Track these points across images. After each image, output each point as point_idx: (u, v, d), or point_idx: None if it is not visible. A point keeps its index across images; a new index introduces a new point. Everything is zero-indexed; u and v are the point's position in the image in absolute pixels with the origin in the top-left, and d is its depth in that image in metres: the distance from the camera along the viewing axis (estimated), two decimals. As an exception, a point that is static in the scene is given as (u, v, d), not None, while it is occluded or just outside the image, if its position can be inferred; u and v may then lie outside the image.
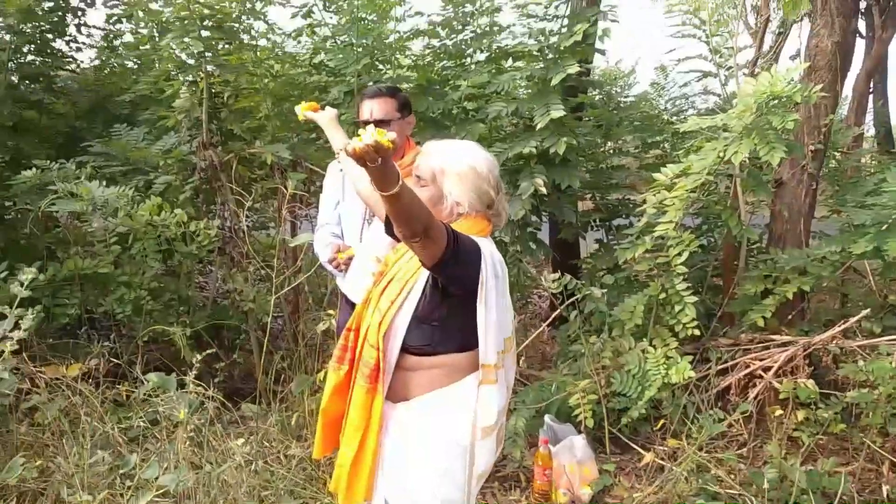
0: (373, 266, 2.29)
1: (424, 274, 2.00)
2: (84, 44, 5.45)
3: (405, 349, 2.03)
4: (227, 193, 4.31)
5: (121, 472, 2.46)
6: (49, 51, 5.13)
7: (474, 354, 2.03)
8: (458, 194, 2.05)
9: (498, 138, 4.50)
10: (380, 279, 2.13)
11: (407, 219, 1.78)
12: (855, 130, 5.53)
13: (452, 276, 1.95)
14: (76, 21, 5.29)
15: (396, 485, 2.06)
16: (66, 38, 5.30)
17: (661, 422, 3.74)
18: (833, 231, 4.64)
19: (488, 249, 2.02)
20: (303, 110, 2.60)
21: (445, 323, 2.02)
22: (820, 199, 4.80)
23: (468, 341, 2.03)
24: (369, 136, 1.57)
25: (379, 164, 1.62)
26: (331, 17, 4.58)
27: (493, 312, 2.00)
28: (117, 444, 2.93)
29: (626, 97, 6.99)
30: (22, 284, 3.70)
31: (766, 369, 3.76)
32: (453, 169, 2.06)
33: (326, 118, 2.61)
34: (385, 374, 2.01)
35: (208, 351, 3.35)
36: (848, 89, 8.24)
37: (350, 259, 2.80)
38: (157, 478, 2.23)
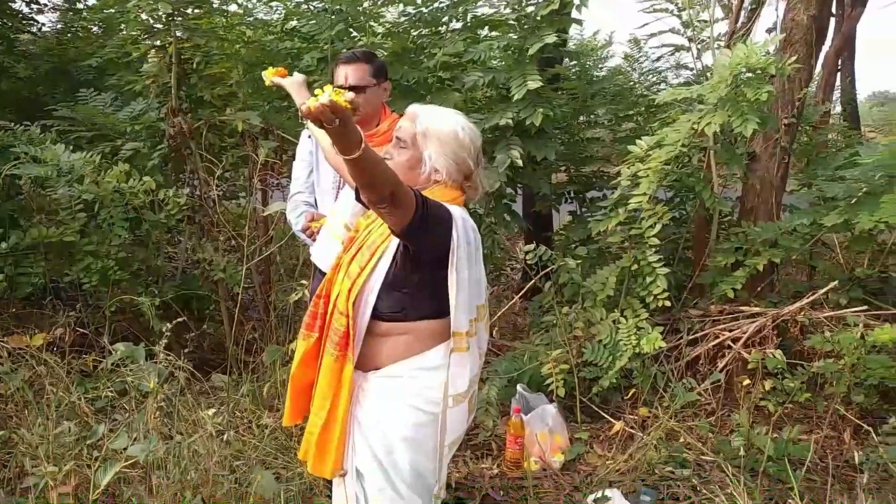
0: (342, 233, 2.26)
1: (395, 240, 1.97)
2: (46, 5, 5.28)
3: (376, 316, 2.01)
4: (196, 161, 4.23)
5: (87, 442, 2.41)
6: (9, 11, 4.95)
7: (446, 322, 2.02)
8: (437, 160, 2.03)
9: (474, 109, 4.47)
10: (350, 245, 2.10)
11: (371, 183, 1.74)
12: (823, 107, 5.57)
13: (422, 242, 1.93)
14: (37, -19, 5.13)
15: (367, 454, 2.06)
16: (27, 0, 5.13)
17: (632, 391, 3.79)
18: (803, 205, 4.71)
19: (460, 215, 1.99)
20: (269, 76, 2.53)
21: (417, 290, 2.01)
22: (792, 172, 4.86)
23: (440, 308, 2.01)
24: (326, 95, 1.53)
25: (337, 125, 1.57)
26: (304, -18, 4.49)
27: (465, 279, 1.98)
28: (84, 414, 2.88)
29: (600, 70, 6.98)
30: (-15, 253, 3.62)
31: (736, 340, 3.82)
32: (435, 133, 2.03)
33: (294, 83, 2.55)
34: (355, 342, 1.99)
35: (177, 321, 3.28)
36: (817, 67, 8.32)
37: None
38: (125, 448, 2.19)
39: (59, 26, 5.58)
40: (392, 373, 2.06)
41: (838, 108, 10.80)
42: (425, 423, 2.06)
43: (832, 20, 9.14)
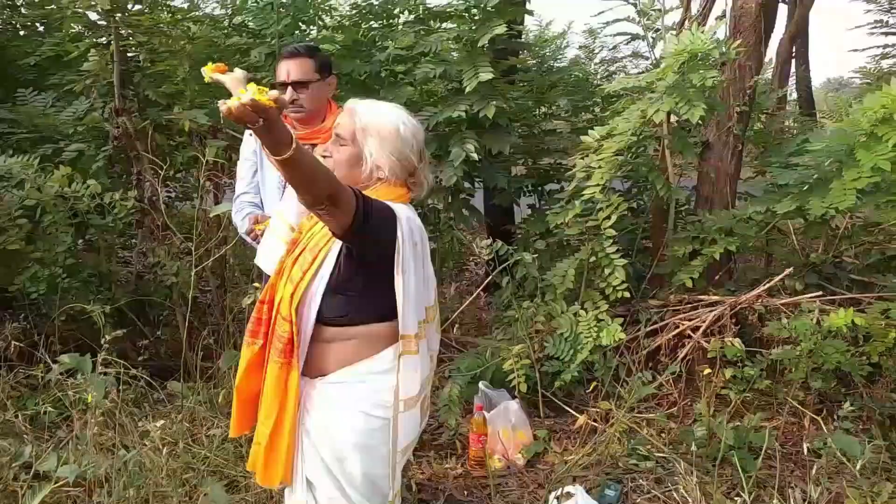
0: (286, 234, 2.19)
1: (338, 242, 1.91)
2: (-20, 3, 5.08)
3: (321, 321, 1.95)
4: (143, 162, 4.10)
5: (13, 465, 2.31)
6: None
7: (393, 325, 1.97)
8: (378, 157, 1.96)
9: (428, 102, 4.40)
10: (293, 248, 2.03)
11: (307, 185, 1.68)
12: (778, 93, 5.62)
13: (365, 243, 1.87)
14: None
15: (317, 462, 2.00)
16: (-39, -3, 4.92)
17: (594, 384, 3.77)
18: (759, 192, 4.73)
19: (405, 215, 1.94)
20: (209, 72, 2.43)
21: (361, 293, 1.95)
22: (745, 160, 4.88)
23: (386, 311, 1.95)
24: (248, 95, 1.46)
25: (261, 124, 1.51)
26: (251, -25, 4.37)
27: (412, 281, 1.93)
28: (23, 432, 2.76)
29: (558, 60, 6.95)
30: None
31: (695, 329, 3.82)
32: (376, 129, 1.96)
33: (234, 79, 2.46)
34: (299, 349, 1.93)
35: (121, 331, 3.16)
36: (771, 54, 8.40)
37: (267, 230, 2.67)
38: (55, 469, 2.09)
39: (-4, 24, 5.37)
40: (339, 378, 2.00)
41: (795, 95, 10.95)
42: (377, 428, 2.01)
43: (785, 6, 9.28)
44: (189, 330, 3.97)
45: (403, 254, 1.90)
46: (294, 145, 1.58)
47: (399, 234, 1.89)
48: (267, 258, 2.29)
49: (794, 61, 10.17)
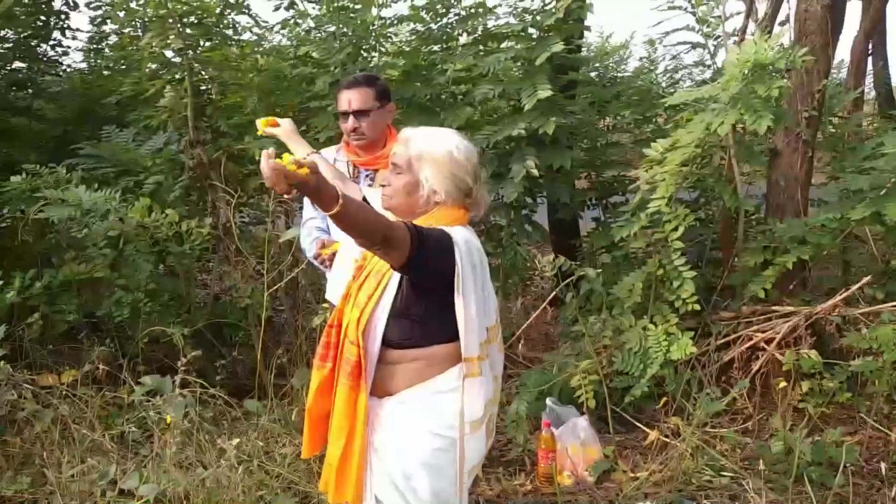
0: (352, 266, 2.25)
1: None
2: (69, 47, 5.43)
3: (386, 343, 1.99)
4: (217, 191, 4.28)
5: (100, 483, 2.44)
6: (35, 56, 5.09)
7: (457, 345, 1.99)
8: (434, 182, 2.00)
9: (489, 121, 4.45)
10: (359, 273, 2.09)
11: (360, 233, 1.76)
12: (852, 94, 5.40)
13: (424, 272, 1.91)
14: (60, 24, 5.25)
15: (386, 481, 2.04)
16: (52, 42, 5.27)
17: (664, 399, 3.70)
18: (833, 198, 4.57)
19: (462, 237, 1.97)
20: (262, 126, 2.55)
21: (424, 316, 1.99)
22: (818, 165, 4.72)
23: (450, 333, 1.98)
24: (264, 162, 1.56)
25: (296, 194, 1.62)
26: (314, 8, 4.53)
27: (472, 303, 1.95)
28: (109, 451, 2.92)
29: (622, 72, 6.90)
30: (17, 292, 3.72)
31: (769, 341, 3.72)
32: (429, 156, 2.01)
33: (284, 132, 2.56)
34: (367, 371, 1.98)
35: (198, 352, 3.31)
36: (846, 52, 8.09)
37: (335, 254, 2.75)
38: (137, 487, 2.20)
39: (83, 66, 5.73)
40: (406, 398, 2.03)
41: (873, 94, 10.49)
42: (443, 447, 2.03)
43: (859, 3, 8.93)
44: (263, 349, 4.11)
45: (463, 277, 1.93)
46: (341, 201, 1.66)
47: (457, 257, 1.92)
48: (335, 291, 2.36)
49: (870, 59, 9.75)
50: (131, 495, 2.24)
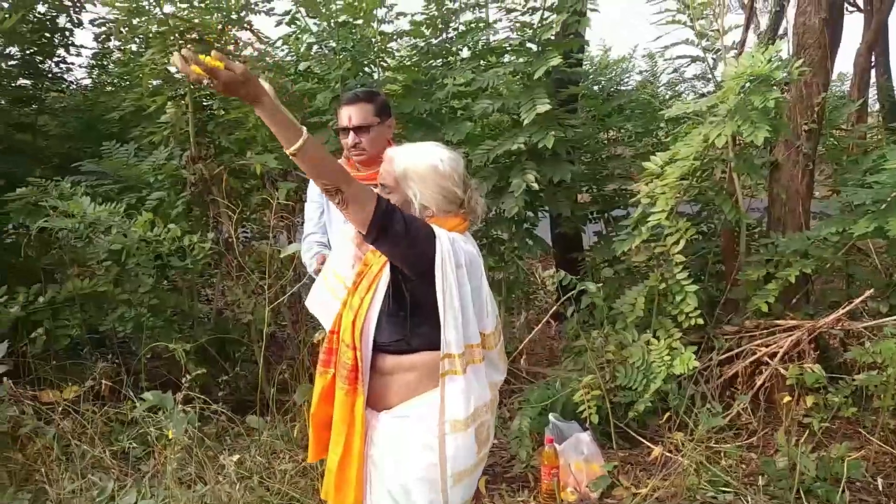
0: (337, 286, 2.25)
1: (390, 269, 1.97)
2: (73, 64, 5.46)
3: (382, 349, 2.00)
4: (219, 206, 4.29)
5: (99, 499, 2.44)
6: (39, 73, 5.13)
7: None
8: (423, 197, 2.02)
9: (488, 136, 4.45)
10: (358, 280, 2.11)
11: (316, 174, 1.81)
12: (853, 106, 5.39)
13: (398, 249, 1.92)
14: (65, 41, 5.28)
15: (384, 493, 2.05)
16: (56, 59, 5.30)
17: (667, 414, 3.68)
18: (835, 211, 4.56)
19: (448, 236, 1.97)
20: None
21: (413, 313, 2.00)
22: (820, 178, 4.72)
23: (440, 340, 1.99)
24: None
25: (215, 85, 1.68)
26: (315, 24, 4.55)
27: (455, 299, 1.95)
28: (110, 467, 2.92)
29: (623, 85, 6.90)
30: (21, 307, 3.73)
31: (773, 355, 3.70)
32: (414, 171, 2.03)
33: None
34: (363, 374, 1.98)
35: (202, 369, 3.30)
36: (848, 65, 8.09)
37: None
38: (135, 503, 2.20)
39: (86, 82, 5.77)
40: (402, 413, 2.04)
41: (877, 106, 10.50)
42: (432, 459, 2.03)
43: (858, 17, 8.96)
44: (266, 365, 4.10)
45: (443, 269, 1.93)
46: (303, 138, 1.74)
47: (438, 248, 1.93)
48: (315, 306, 2.33)
49: (873, 71, 9.76)
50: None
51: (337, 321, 2.11)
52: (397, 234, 1.87)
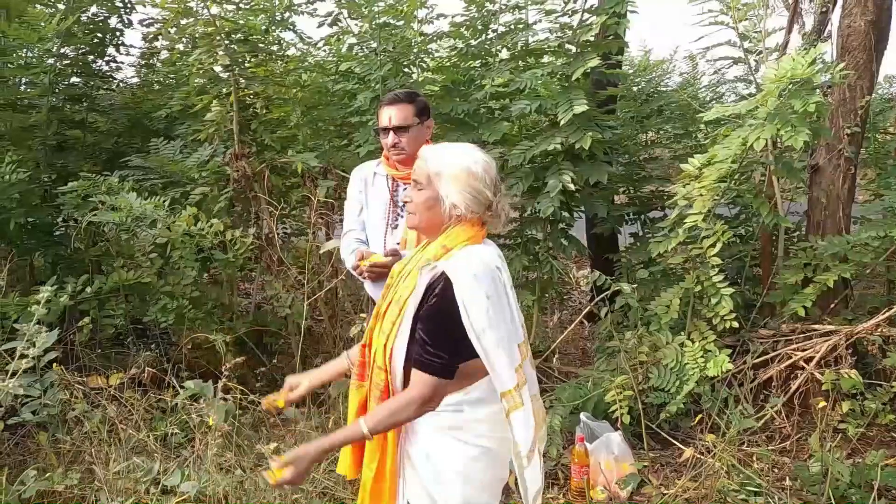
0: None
1: (417, 294, 1.99)
2: (123, 63, 5.63)
3: (411, 363, 2.03)
4: (260, 202, 4.40)
5: (144, 479, 2.54)
6: (90, 72, 5.30)
7: (478, 361, 1.99)
8: (453, 197, 2.03)
9: (527, 136, 4.48)
10: (387, 292, 2.13)
11: (395, 422, 1.98)
12: (897, 112, 5.30)
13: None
14: (115, 41, 5.45)
15: (418, 487, 2.07)
16: (106, 58, 5.47)
17: (699, 416, 3.67)
18: (878, 215, 4.49)
19: (469, 273, 1.95)
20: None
21: None
22: (863, 182, 4.65)
23: (469, 353, 1.98)
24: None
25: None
26: (357, 25, 4.63)
27: (489, 334, 1.94)
28: (153, 451, 3.03)
29: (665, 87, 6.86)
30: (70, 297, 3.88)
31: (808, 360, 3.66)
32: (447, 171, 2.05)
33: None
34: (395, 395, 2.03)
35: (240, 358, 3.40)
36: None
37: (374, 266, 2.81)
38: (178, 484, 2.29)
39: (134, 81, 5.94)
40: (436, 409, 2.07)
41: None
42: (475, 456, 2.06)
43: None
44: (302, 358, 4.19)
45: (470, 315, 1.92)
46: (366, 431, 1.95)
47: (458, 296, 1.92)
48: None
49: (923, 74, 9.53)
50: (173, 493, 2.32)
51: (368, 335, 2.13)
52: (459, 348, 1.96)
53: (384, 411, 1.96)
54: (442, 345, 1.94)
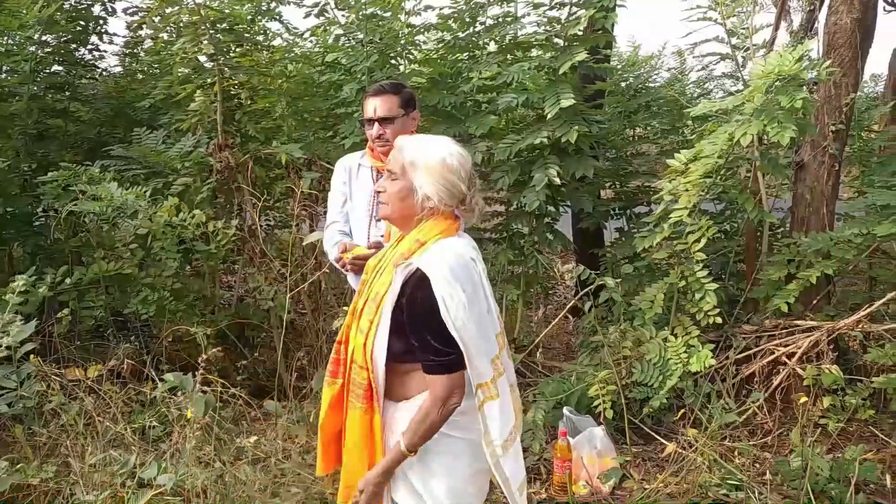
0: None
1: (394, 290, 1.97)
2: (106, 51, 5.56)
3: (396, 359, 2.01)
4: (244, 194, 4.36)
5: (120, 472, 2.51)
6: (73, 60, 5.23)
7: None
8: (427, 188, 2.01)
9: (513, 129, 4.47)
10: (363, 288, 2.10)
11: (435, 424, 1.96)
12: (884, 108, 5.30)
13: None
14: (98, 29, 5.37)
15: (405, 483, 2.06)
16: (89, 47, 5.40)
17: (682, 411, 3.68)
18: (860, 213, 4.51)
19: (445, 269, 1.93)
20: None
21: None
22: (847, 179, 4.67)
23: (452, 344, 1.97)
24: None
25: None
26: (343, 16, 4.59)
27: (469, 327, 1.93)
28: (131, 444, 2.99)
29: (652, 82, 6.86)
30: (49, 288, 3.83)
31: (790, 355, 3.68)
32: (422, 162, 2.03)
33: None
34: (378, 393, 2.00)
35: (218, 350, 3.37)
36: (881, 66, 7.96)
37: (357, 258, 2.78)
38: (155, 477, 2.26)
39: (117, 70, 5.87)
40: (420, 402, 2.05)
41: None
42: (460, 449, 2.05)
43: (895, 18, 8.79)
44: (285, 351, 4.16)
45: (450, 309, 1.90)
46: (406, 451, 1.97)
47: (437, 296, 1.90)
48: None
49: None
50: (150, 486, 2.29)
51: (345, 332, 2.11)
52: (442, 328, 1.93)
53: (413, 425, 1.96)
54: (445, 342, 1.92)
